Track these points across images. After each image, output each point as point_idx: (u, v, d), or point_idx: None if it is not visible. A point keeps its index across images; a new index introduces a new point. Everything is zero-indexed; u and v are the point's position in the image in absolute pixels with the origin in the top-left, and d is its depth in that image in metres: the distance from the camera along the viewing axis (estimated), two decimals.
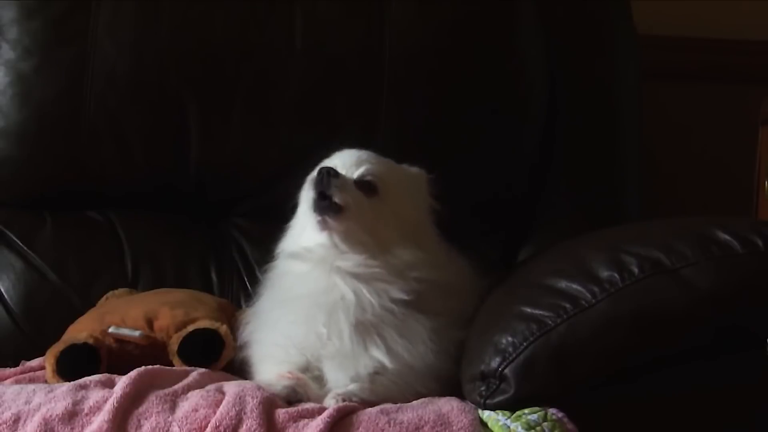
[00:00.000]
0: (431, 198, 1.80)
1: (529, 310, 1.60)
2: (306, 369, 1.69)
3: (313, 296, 1.71)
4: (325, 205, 1.69)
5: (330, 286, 1.69)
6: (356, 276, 1.68)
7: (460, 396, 1.63)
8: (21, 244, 2.11)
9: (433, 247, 1.77)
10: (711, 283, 1.56)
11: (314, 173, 1.72)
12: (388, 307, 1.67)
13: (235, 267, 2.15)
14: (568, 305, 1.57)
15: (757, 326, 1.57)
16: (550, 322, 1.57)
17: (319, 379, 1.69)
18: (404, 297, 1.68)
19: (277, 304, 1.76)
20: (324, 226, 1.70)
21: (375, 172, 1.74)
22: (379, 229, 1.71)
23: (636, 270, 1.58)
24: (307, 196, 1.73)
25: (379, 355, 1.66)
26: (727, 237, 1.58)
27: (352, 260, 1.69)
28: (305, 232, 1.75)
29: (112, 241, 2.13)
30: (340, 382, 1.67)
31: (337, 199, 1.69)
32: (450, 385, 1.67)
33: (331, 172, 1.69)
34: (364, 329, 1.68)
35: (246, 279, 2.13)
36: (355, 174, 1.73)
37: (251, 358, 1.77)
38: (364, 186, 1.72)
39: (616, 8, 2.32)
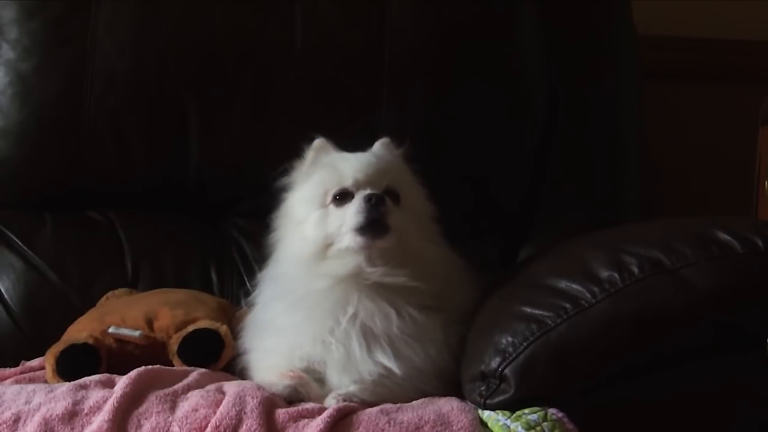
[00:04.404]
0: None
1: (529, 310, 1.60)
2: (306, 372, 1.69)
3: (327, 308, 1.70)
4: (377, 230, 1.69)
5: (348, 301, 1.69)
6: (384, 286, 1.68)
7: (461, 395, 1.63)
8: (21, 244, 2.11)
9: (440, 239, 1.78)
10: (711, 283, 1.56)
11: (359, 200, 1.71)
12: (410, 315, 1.68)
13: (235, 267, 2.15)
14: (568, 305, 1.57)
15: (757, 326, 1.57)
16: (550, 322, 1.57)
17: (321, 381, 1.69)
18: (430, 303, 1.69)
19: (283, 311, 1.75)
20: (368, 246, 1.70)
21: (396, 180, 1.75)
22: (406, 235, 1.72)
23: (636, 270, 1.58)
24: (352, 219, 1.70)
25: (386, 361, 1.66)
26: (727, 237, 1.58)
27: (381, 270, 1.69)
28: (333, 245, 1.72)
29: (112, 241, 2.13)
30: (342, 384, 1.67)
31: (390, 223, 1.70)
32: (452, 383, 1.67)
33: (378, 200, 1.69)
34: (373, 336, 1.68)
35: (246, 279, 2.13)
36: (382, 186, 1.73)
37: (251, 364, 1.76)
38: (393, 196, 1.73)
39: (616, 8, 2.32)
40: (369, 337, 1.67)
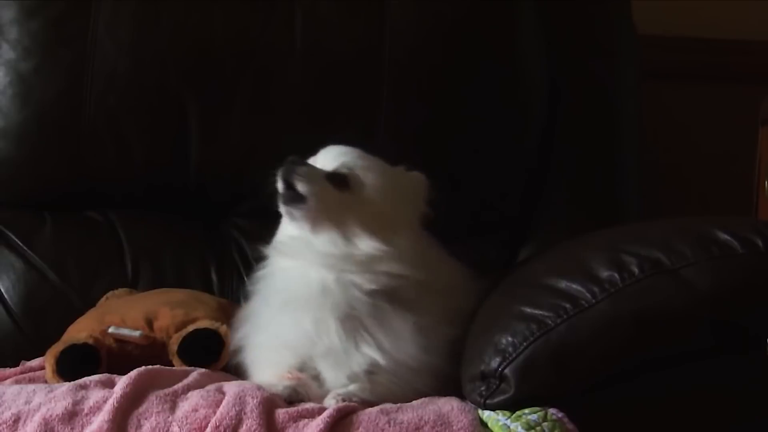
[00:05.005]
0: (423, 201, 1.78)
1: (529, 310, 1.60)
2: (302, 369, 1.69)
3: (294, 291, 1.72)
4: (290, 196, 1.71)
5: (308, 279, 1.70)
6: (324, 266, 1.70)
7: (461, 395, 1.63)
8: (21, 244, 2.11)
9: (409, 244, 1.73)
10: (711, 284, 1.56)
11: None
12: (361, 299, 1.68)
13: (235, 267, 2.15)
14: (568, 305, 1.57)
15: (757, 326, 1.57)
16: (550, 322, 1.57)
17: (318, 379, 1.69)
18: (372, 287, 1.68)
19: (265, 305, 1.77)
20: (291, 216, 1.73)
21: (350, 166, 1.74)
22: (345, 221, 1.71)
23: (636, 270, 1.58)
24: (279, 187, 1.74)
25: (371, 352, 1.67)
26: (727, 237, 1.58)
27: (319, 249, 1.70)
28: (283, 225, 1.78)
29: (112, 241, 2.13)
30: (337, 380, 1.67)
31: (299, 189, 1.70)
32: (451, 383, 1.67)
33: (296, 162, 1.71)
34: (352, 326, 1.68)
35: (246, 279, 2.13)
36: (330, 167, 1.74)
37: (245, 362, 1.77)
38: (336, 178, 1.73)
39: (616, 8, 2.32)
40: (348, 327, 1.68)
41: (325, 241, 1.71)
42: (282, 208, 1.74)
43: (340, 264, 1.69)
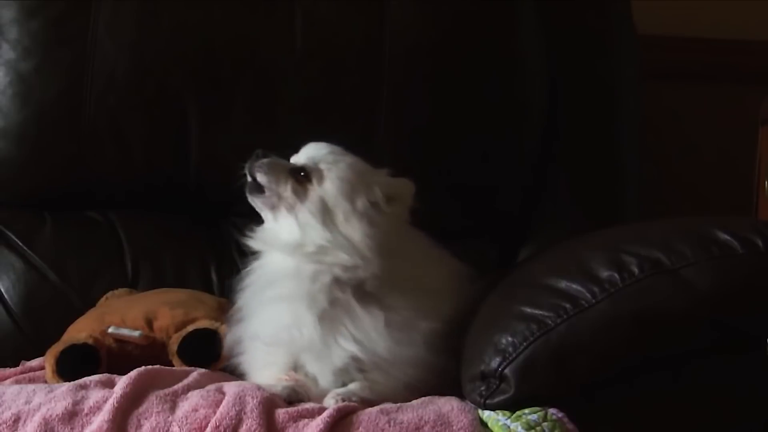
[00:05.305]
0: (405, 206, 1.77)
1: (529, 310, 1.60)
2: (296, 369, 1.70)
3: (272, 282, 1.74)
4: (252, 186, 1.76)
5: (279, 268, 1.74)
6: (287, 254, 1.73)
7: (462, 391, 1.63)
8: (21, 244, 2.11)
9: (363, 238, 1.71)
10: (711, 284, 1.56)
11: None
12: (324, 291, 1.69)
13: (236, 267, 2.15)
14: (568, 305, 1.57)
15: (757, 326, 1.57)
16: (550, 322, 1.57)
17: (313, 378, 1.69)
18: (327, 279, 1.69)
19: (249, 299, 1.78)
20: (255, 205, 1.78)
21: (316, 160, 1.76)
22: (301, 211, 1.73)
23: (636, 270, 1.58)
24: None
25: (348, 345, 1.67)
26: (727, 237, 1.58)
27: (280, 237, 1.74)
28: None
29: (112, 241, 2.13)
30: (324, 375, 1.68)
31: (259, 179, 1.75)
32: (449, 378, 1.66)
33: (260, 155, 1.76)
34: (327, 319, 1.69)
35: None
36: (301, 161, 1.77)
37: (242, 365, 1.77)
38: (299, 171, 1.75)
39: (616, 8, 2.32)
40: (325, 320, 1.69)
41: (285, 229, 1.74)
42: (248, 198, 1.78)
43: (297, 253, 1.72)
